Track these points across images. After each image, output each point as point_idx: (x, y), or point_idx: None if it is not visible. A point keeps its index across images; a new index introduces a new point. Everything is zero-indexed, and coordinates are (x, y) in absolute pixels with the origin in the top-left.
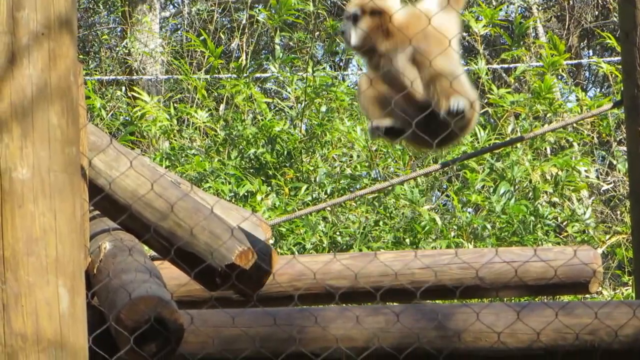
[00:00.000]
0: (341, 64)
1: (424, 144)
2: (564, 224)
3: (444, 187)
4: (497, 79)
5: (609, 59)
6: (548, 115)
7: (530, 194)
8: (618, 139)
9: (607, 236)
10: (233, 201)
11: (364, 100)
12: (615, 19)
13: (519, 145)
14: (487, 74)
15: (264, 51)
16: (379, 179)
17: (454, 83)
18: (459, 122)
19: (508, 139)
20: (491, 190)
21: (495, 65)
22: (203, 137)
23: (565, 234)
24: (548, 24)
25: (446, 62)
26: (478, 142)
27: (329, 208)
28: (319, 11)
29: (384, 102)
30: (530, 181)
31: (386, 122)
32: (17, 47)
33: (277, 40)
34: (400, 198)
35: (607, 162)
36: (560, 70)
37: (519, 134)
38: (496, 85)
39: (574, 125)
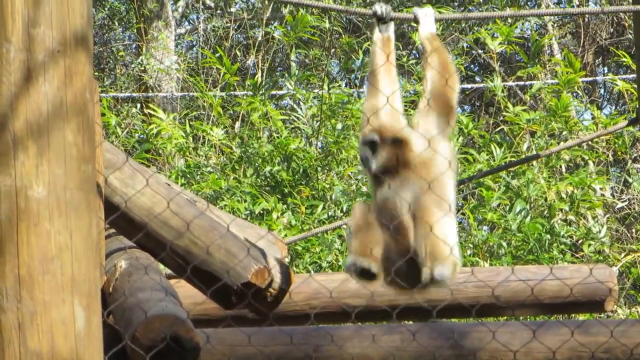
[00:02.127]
0: (357, 81)
1: (401, 288)
2: (580, 242)
3: (460, 205)
4: (513, 96)
5: (624, 76)
6: (564, 133)
7: (546, 212)
8: (633, 156)
9: (623, 254)
10: (249, 219)
11: (352, 229)
12: (630, 36)
13: (534, 163)
14: (502, 91)
15: (279, 68)
16: None
17: (445, 248)
18: (439, 285)
19: (523, 156)
20: (507, 208)
21: (510, 83)
22: (219, 154)
23: (581, 253)
24: (563, 41)
25: (443, 227)
26: (494, 160)
27: (345, 226)
28: (334, 28)
29: (370, 238)
30: (546, 199)
31: (365, 262)
32: (33, 64)
33: (292, 57)
34: None
35: (622, 180)
36: (575, 87)
37: (534, 152)
38: (512, 103)
39: (590, 143)
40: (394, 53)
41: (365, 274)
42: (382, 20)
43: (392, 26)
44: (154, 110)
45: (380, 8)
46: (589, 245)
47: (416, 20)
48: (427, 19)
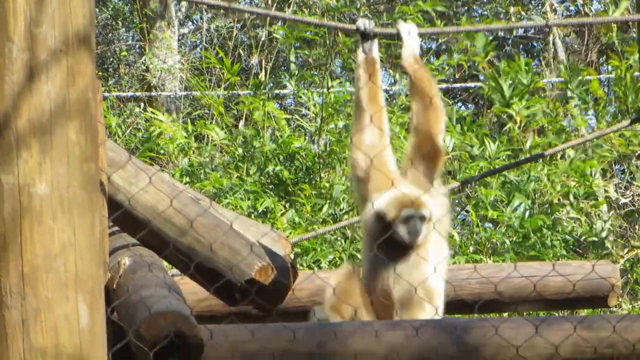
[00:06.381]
0: None
1: None
2: (582, 238)
3: (463, 202)
4: None
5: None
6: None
7: (548, 209)
8: (637, 153)
9: (625, 250)
10: (252, 217)
11: (335, 288)
12: (634, 34)
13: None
14: None
15: (282, 67)
16: None
17: None
18: None
19: (528, 156)
20: (505, 204)
21: None
22: (222, 153)
23: (584, 250)
24: (567, 40)
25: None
26: (490, 157)
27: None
28: None
29: (350, 302)
30: (551, 194)
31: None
32: (36, 63)
33: (292, 57)
34: None
35: (626, 177)
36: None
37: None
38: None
39: (594, 141)
40: (379, 75)
41: None
42: (365, 36)
43: (376, 45)
44: (154, 112)
45: (363, 24)
46: (592, 241)
47: (399, 37)
48: (411, 38)
